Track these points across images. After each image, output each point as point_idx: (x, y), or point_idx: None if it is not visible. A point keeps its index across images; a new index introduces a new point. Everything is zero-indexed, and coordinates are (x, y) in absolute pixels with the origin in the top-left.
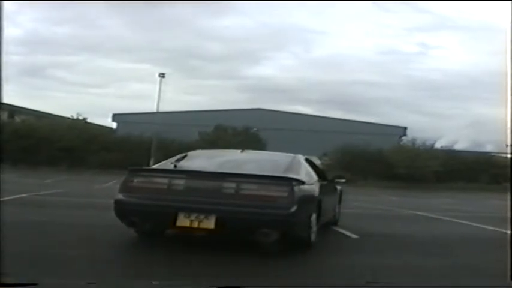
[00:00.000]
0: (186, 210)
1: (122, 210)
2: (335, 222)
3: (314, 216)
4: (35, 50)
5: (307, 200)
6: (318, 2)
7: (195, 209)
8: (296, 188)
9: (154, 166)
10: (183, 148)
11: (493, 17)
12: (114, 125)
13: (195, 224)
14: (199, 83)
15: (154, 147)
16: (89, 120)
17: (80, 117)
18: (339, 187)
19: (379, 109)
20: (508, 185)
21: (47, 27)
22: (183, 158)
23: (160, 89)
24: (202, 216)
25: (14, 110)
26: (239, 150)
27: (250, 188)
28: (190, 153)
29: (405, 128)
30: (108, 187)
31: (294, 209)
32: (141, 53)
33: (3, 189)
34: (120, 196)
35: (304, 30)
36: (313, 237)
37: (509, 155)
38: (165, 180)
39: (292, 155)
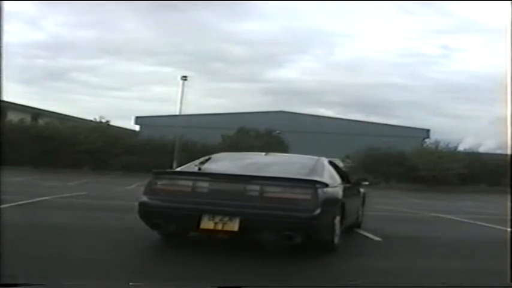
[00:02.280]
0: (210, 212)
1: (147, 212)
2: (358, 225)
3: (338, 219)
4: (58, 54)
5: (331, 202)
6: (341, 4)
7: (219, 211)
8: (320, 191)
9: (179, 169)
10: (206, 151)
11: None
12: (137, 128)
13: (219, 227)
14: (222, 86)
15: (177, 150)
16: (111, 123)
17: (103, 120)
18: (362, 190)
19: (401, 111)
20: None
21: (70, 31)
22: (207, 160)
23: (182, 91)
24: (226, 219)
25: (37, 112)
26: (263, 153)
27: (274, 191)
28: (214, 156)
29: (428, 131)
30: (131, 189)
31: (318, 211)
32: (164, 56)
33: (26, 192)
34: (144, 198)
35: (328, 33)
36: (336, 240)
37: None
38: (190, 183)
39: (315, 157)
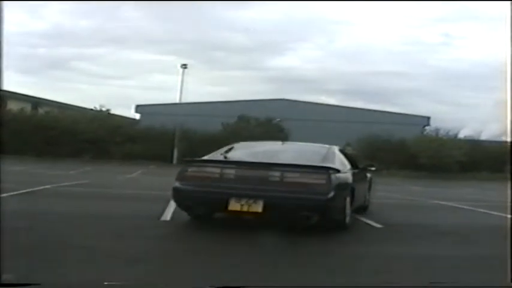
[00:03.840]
0: (237, 195)
1: (179, 196)
2: (365, 207)
3: (348, 200)
4: (59, 43)
5: (342, 186)
6: None
7: (245, 194)
8: (333, 176)
9: (206, 157)
10: (206, 139)
11: None
12: (137, 116)
13: (245, 208)
14: (223, 74)
15: (177, 138)
16: (112, 112)
17: (103, 109)
18: (369, 175)
19: (402, 99)
20: None
21: (70, 19)
22: (230, 149)
23: (182, 80)
24: (251, 201)
25: (37, 101)
26: (280, 142)
27: (292, 176)
28: (236, 145)
29: (428, 118)
30: (133, 178)
31: (331, 194)
32: (165, 45)
33: (28, 181)
34: (177, 184)
35: (328, 21)
36: (347, 219)
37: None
38: (217, 170)
39: (327, 145)
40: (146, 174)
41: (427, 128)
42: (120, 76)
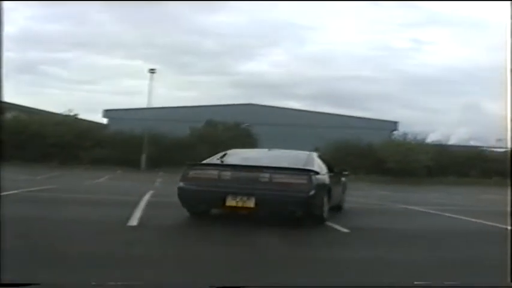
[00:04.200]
0: (232, 193)
1: (183, 194)
2: (340, 207)
3: (326, 198)
4: (27, 47)
5: (320, 186)
6: None
7: (239, 192)
8: (313, 177)
9: (205, 161)
10: (174, 143)
11: (485, 13)
12: (105, 121)
13: (240, 204)
14: (191, 79)
15: (145, 143)
16: (80, 116)
17: (71, 113)
18: (343, 179)
19: (371, 104)
20: (498, 179)
21: (40, 24)
22: (225, 155)
23: (150, 84)
24: (245, 198)
25: (5, 106)
26: (266, 149)
27: (279, 177)
28: (229, 152)
29: (396, 123)
30: (100, 183)
31: (312, 192)
32: (134, 50)
33: None
34: (181, 184)
35: (298, 27)
36: (325, 215)
37: (506, 149)
38: (215, 172)
39: (307, 152)
40: (114, 180)
41: (395, 132)
42: (88, 81)
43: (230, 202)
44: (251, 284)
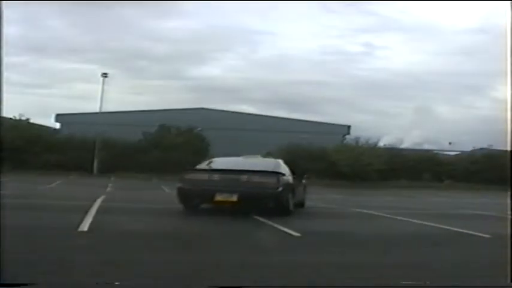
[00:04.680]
0: (220, 191)
1: (181, 193)
2: (303, 204)
3: (291, 195)
4: None
5: (286, 184)
6: (264, 2)
7: (225, 190)
8: (280, 177)
9: (197, 167)
10: (127, 148)
11: (436, 18)
12: (57, 126)
13: (225, 199)
14: (145, 83)
15: (98, 148)
16: (32, 121)
17: (23, 118)
18: (304, 181)
19: (324, 108)
20: (450, 182)
21: None
22: (211, 162)
23: (103, 89)
24: (229, 195)
25: None
26: (243, 157)
27: (255, 178)
28: (214, 159)
29: (349, 127)
30: (51, 188)
31: (280, 189)
32: (87, 54)
33: None
34: (180, 185)
35: (251, 31)
36: (291, 207)
37: (457, 153)
38: (206, 175)
39: (275, 159)
40: (66, 184)
41: (347, 136)
42: (40, 85)
43: (218, 198)
44: (251, 284)
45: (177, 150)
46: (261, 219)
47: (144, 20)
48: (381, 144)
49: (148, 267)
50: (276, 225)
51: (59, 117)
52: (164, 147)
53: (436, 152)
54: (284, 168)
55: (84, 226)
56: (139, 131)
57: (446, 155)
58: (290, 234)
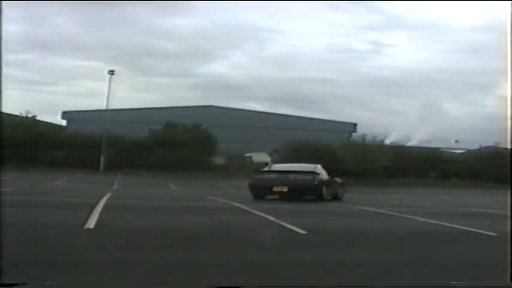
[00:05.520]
0: (275, 185)
1: (252, 187)
2: (339, 198)
3: (325, 187)
4: None
5: (320, 181)
6: (271, 2)
7: (279, 184)
8: (316, 176)
9: (263, 170)
10: (133, 145)
11: (443, 16)
12: (64, 123)
13: (279, 190)
14: (152, 81)
15: (104, 145)
16: (38, 118)
17: (29, 115)
18: (340, 180)
19: (331, 106)
20: (456, 180)
21: None
22: (270, 167)
23: (110, 86)
24: (282, 187)
25: None
26: (291, 163)
27: (299, 176)
28: (273, 166)
29: (355, 125)
30: (58, 185)
31: (316, 183)
32: (94, 51)
33: None
34: (251, 181)
35: (258, 29)
36: (325, 196)
37: (464, 151)
38: (268, 174)
39: (314, 164)
40: (72, 182)
41: (353, 134)
42: (47, 82)
43: (275, 189)
44: (251, 284)
45: (184, 147)
46: (269, 217)
47: (152, 18)
48: (388, 141)
49: (153, 265)
50: (283, 223)
51: (65, 114)
52: (170, 144)
53: (442, 149)
54: (320, 169)
55: (91, 224)
56: (146, 129)
57: (453, 152)
58: (297, 232)
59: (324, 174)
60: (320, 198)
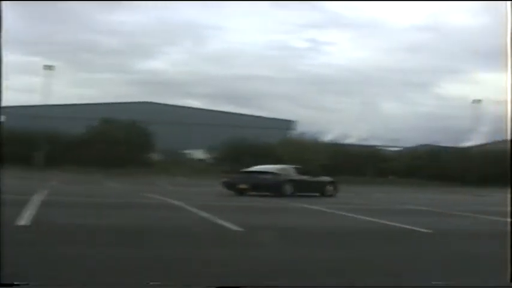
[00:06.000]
0: (241, 183)
1: (225, 183)
2: (330, 195)
3: (287, 185)
4: None
5: (281, 179)
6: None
7: (243, 182)
8: (276, 176)
9: (241, 170)
10: (71, 141)
11: (382, 15)
12: (1, 118)
13: (242, 187)
14: (91, 77)
15: (41, 141)
16: None
17: None
18: (328, 178)
19: (270, 103)
20: (394, 178)
21: None
22: (245, 168)
23: (47, 81)
24: (244, 184)
25: None
26: (258, 166)
27: (261, 175)
28: (248, 168)
29: (293, 122)
30: None
31: (273, 181)
32: (32, 46)
33: None
34: (224, 180)
35: (198, 26)
36: (288, 192)
37: (400, 148)
38: (237, 174)
39: (281, 165)
40: (7, 178)
41: (292, 131)
42: None
43: (239, 186)
44: (251, 284)
45: (120, 144)
46: (204, 214)
47: (92, 14)
48: (326, 139)
49: (89, 262)
50: (220, 220)
51: (1, 110)
52: (107, 141)
53: (380, 147)
54: (283, 170)
55: (22, 221)
56: (84, 124)
57: (390, 150)
58: (232, 230)
59: (289, 174)
60: (280, 195)
